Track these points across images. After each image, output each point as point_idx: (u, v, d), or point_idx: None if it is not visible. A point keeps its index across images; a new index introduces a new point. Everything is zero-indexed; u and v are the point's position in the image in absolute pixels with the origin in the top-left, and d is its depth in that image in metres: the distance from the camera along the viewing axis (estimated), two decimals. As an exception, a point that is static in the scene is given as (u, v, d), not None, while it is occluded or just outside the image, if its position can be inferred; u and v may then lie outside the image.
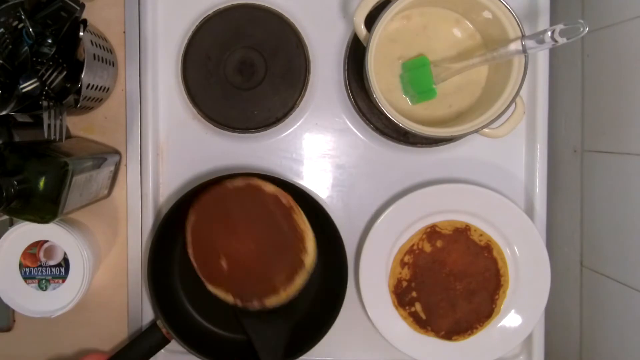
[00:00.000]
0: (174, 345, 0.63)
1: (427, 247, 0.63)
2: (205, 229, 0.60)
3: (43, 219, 0.52)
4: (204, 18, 0.63)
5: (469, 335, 0.63)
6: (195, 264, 0.60)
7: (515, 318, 0.62)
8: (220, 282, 0.60)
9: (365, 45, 0.54)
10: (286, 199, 0.59)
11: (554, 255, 0.62)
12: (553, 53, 0.64)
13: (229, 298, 0.60)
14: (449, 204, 0.62)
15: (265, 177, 0.61)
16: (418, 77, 0.57)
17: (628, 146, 0.54)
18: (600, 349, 0.58)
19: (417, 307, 0.63)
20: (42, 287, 0.60)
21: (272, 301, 0.60)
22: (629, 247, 0.54)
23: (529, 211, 0.64)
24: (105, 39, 0.62)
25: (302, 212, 0.59)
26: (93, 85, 0.57)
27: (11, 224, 0.62)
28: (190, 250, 0.60)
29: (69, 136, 0.63)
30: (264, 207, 0.59)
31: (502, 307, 0.63)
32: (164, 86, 0.65)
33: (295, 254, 0.59)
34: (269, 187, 0.59)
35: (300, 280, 0.59)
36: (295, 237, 0.59)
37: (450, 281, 0.63)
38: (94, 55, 0.56)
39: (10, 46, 0.50)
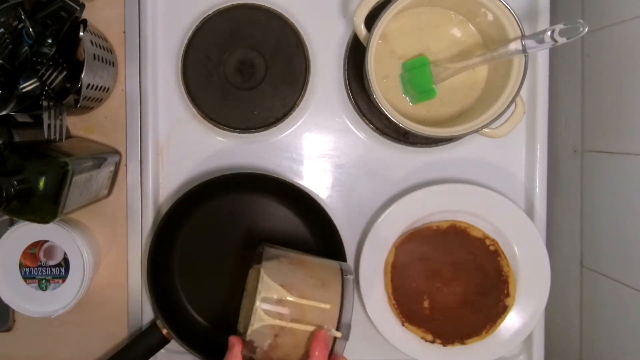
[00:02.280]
0: (173, 345, 0.63)
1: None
2: (406, 270, 0.62)
3: (43, 219, 0.52)
4: (204, 18, 0.63)
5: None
6: (393, 303, 0.61)
7: (515, 318, 0.62)
8: (420, 323, 0.61)
9: (365, 45, 0.54)
10: (493, 245, 0.61)
11: (554, 255, 0.62)
12: (553, 53, 0.64)
13: (427, 337, 0.61)
14: (449, 204, 0.62)
15: (265, 177, 0.61)
16: (418, 77, 0.57)
17: (628, 146, 0.54)
18: (600, 349, 0.58)
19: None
20: (42, 287, 0.60)
21: (473, 341, 0.61)
22: (629, 247, 0.54)
23: (529, 211, 0.64)
24: (105, 39, 0.62)
25: (506, 256, 0.61)
26: (93, 85, 0.57)
27: (11, 224, 0.62)
28: (389, 290, 0.61)
29: (69, 136, 0.63)
30: (469, 250, 0.61)
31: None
32: (164, 86, 0.65)
33: (498, 297, 0.62)
34: (476, 232, 0.61)
35: (501, 322, 0.61)
36: (500, 281, 0.62)
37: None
38: (94, 55, 0.56)
39: (10, 46, 0.50)
